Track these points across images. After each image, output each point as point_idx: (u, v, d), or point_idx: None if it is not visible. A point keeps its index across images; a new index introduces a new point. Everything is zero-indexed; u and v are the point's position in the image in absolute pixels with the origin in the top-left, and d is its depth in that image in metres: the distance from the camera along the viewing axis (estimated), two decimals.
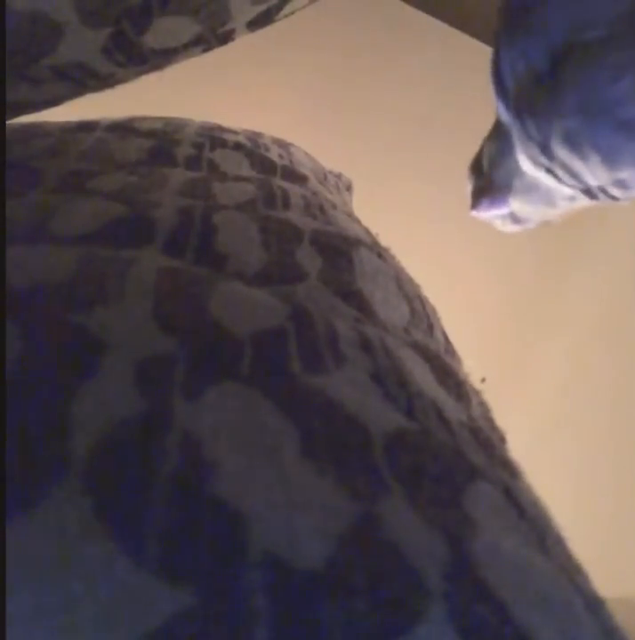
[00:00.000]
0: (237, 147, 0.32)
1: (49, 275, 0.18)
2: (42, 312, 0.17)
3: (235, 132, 0.34)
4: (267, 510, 0.13)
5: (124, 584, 0.11)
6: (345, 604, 0.12)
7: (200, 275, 0.21)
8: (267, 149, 0.33)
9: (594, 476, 0.95)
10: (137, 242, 0.21)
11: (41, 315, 0.17)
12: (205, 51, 0.30)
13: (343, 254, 0.25)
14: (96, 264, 0.19)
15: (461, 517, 0.15)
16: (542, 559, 0.15)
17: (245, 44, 0.35)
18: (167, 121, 0.33)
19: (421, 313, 0.25)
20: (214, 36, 0.29)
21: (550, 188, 0.24)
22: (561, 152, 0.20)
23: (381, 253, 0.27)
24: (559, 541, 0.17)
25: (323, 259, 0.24)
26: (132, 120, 0.31)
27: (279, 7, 0.32)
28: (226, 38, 0.31)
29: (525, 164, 0.23)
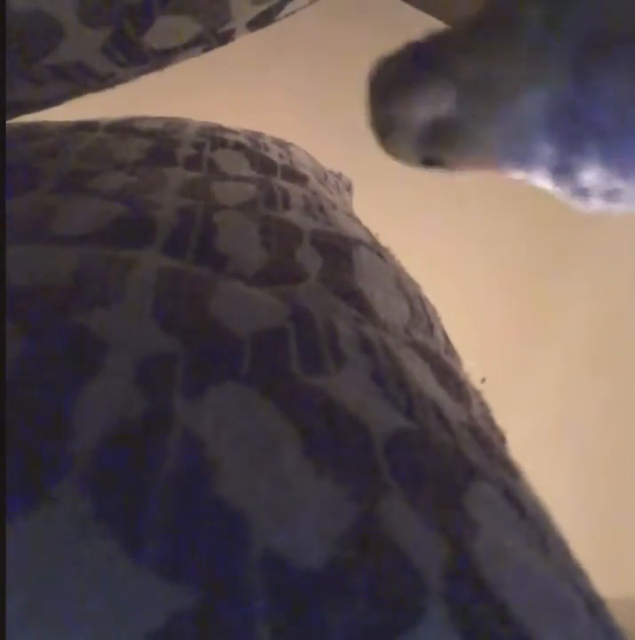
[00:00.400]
0: (238, 147, 0.32)
1: (49, 275, 0.18)
2: (42, 312, 0.17)
3: (235, 132, 0.34)
4: (267, 510, 0.13)
5: (124, 584, 0.11)
6: (345, 604, 0.12)
7: (200, 275, 0.21)
8: (267, 149, 0.33)
9: (594, 477, 0.95)
10: (137, 242, 0.21)
11: (41, 315, 0.17)
12: (206, 51, 0.30)
13: (343, 254, 0.25)
14: (96, 264, 0.19)
15: (461, 517, 0.15)
16: (542, 559, 0.15)
17: (245, 43, 0.35)
18: (167, 121, 0.33)
19: (421, 313, 0.25)
20: (215, 35, 0.29)
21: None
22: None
23: (381, 253, 0.27)
24: (560, 542, 0.17)
25: (323, 259, 0.24)
26: (132, 120, 0.31)
27: (280, 7, 0.32)
28: (226, 38, 0.31)
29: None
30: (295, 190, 0.29)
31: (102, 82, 0.28)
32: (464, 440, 0.18)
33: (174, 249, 0.22)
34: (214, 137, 0.32)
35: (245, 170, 0.30)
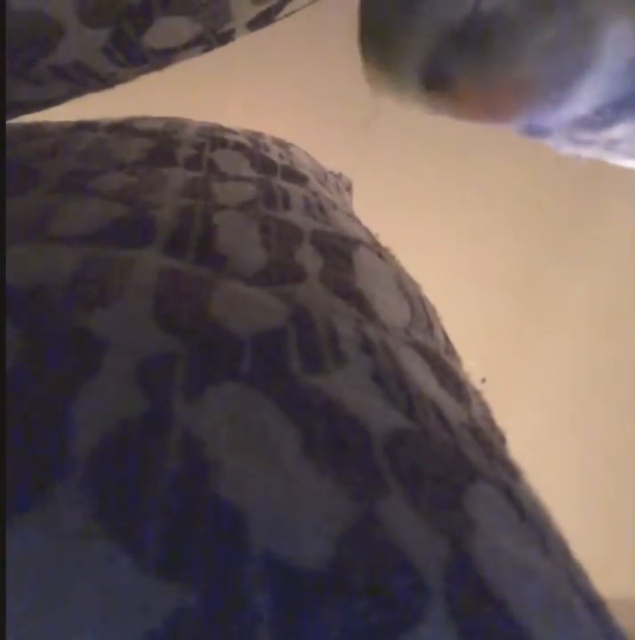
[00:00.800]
0: (238, 147, 0.32)
1: (49, 275, 0.18)
2: (42, 312, 0.17)
3: (235, 132, 0.34)
4: (267, 510, 0.13)
5: (125, 583, 0.11)
6: (346, 604, 0.12)
7: (200, 275, 0.21)
8: (267, 149, 0.33)
9: (594, 477, 0.95)
10: (137, 242, 0.21)
11: (41, 315, 0.17)
12: (206, 51, 0.30)
13: (344, 254, 0.25)
14: (97, 264, 0.19)
15: (461, 517, 0.15)
16: (542, 559, 0.15)
17: (245, 43, 0.35)
18: (167, 121, 0.33)
19: (421, 313, 0.25)
20: (215, 36, 0.29)
21: None
22: None
23: (381, 253, 0.27)
24: (560, 542, 0.17)
25: (323, 259, 0.24)
26: (132, 120, 0.31)
27: (279, 7, 0.32)
28: (226, 38, 0.31)
29: None
30: (295, 190, 0.29)
31: (102, 82, 0.28)
32: (464, 440, 0.18)
33: (174, 249, 0.22)
34: (214, 137, 0.32)
35: (245, 170, 0.30)
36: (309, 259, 0.24)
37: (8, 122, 0.29)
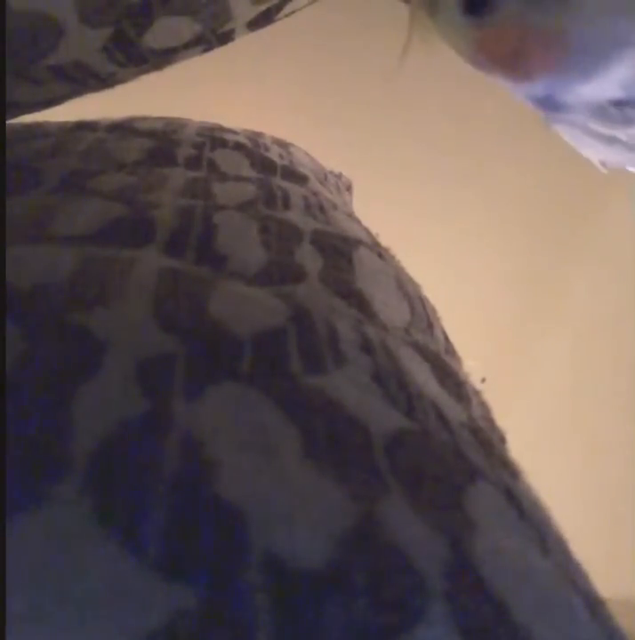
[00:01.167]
0: (238, 147, 0.32)
1: (50, 275, 0.18)
2: (43, 312, 0.17)
3: (235, 132, 0.34)
4: (267, 510, 0.13)
5: (125, 583, 0.11)
6: (346, 604, 0.12)
7: (200, 275, 0.21)
8: (267, 149, 0.33)
9: (594, 476, 0.95)
10: (137, 242, 0.21)
11: (42, 315, 0.17)
12: (206, 51, 0.30)
13: (344, 254, 0.25)
14: (97, 264, 0.19)
15: (461, 517, 0.15)
16: (542, 559, 0.15)
17: (244, 44, 0.35)
18: (167, 121, 0.33)
19: (421, 313, 0.25)
20: (215, 36, 0.29)
21: None
22: None
23: (381, 253, 0.27)
24: (560, 542, 0.17)
25: (323, 259, 0.24)
26: (132, 120, 0.31)
27: (279, 7, 0.32)
28: (226, 38, 0.31)
29: None
30: (295, 190, 0.29)
31: (102, 82, 0.28)
32: (464, 440, 0.18)
33: (174, 249, 0.22)
34: (214, 137, 0.32)
35: (245, 170, 0.30)
36: (309, 259, 0.24)
37: (8, 122, 0.29)
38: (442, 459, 0.17)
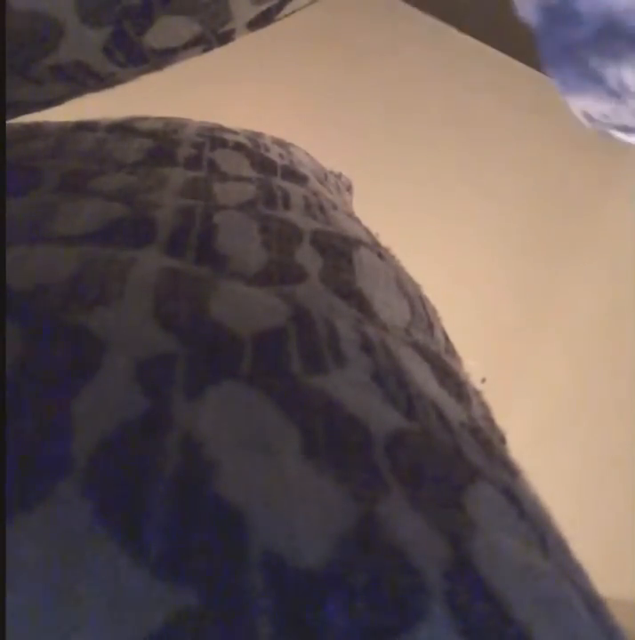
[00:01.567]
0: (238, 147, 0.32)
1: (49, 275, 0.18)
2: (42, 312, 0.17)
3: (235, 132, 0.34)
4: (268, 510, 0.13)
5: (125, 584, 0.11)
6: (346, 604, 0.12)
7: (201, 274, 0.21)
8: (267, 149, 0.33)
9: (594, 477, 0.95)
10: (137, 242, 0.21)
11: (41, 315, 0.17)
12: (205, 51, 0.30)
13: (344, 254, 0.25)
14: (97, 264, 0.19)
15: (461, 517, 0.15)
16: (542, 559, 0.15)
17: (245, 44, 0.35)
18: (167, 121, 0.33)
19: (421, 313, 0.25)
20: (215, 35, 0.29)
21: None
22: None
23: (381, 253, 0.27)
24: (560, 542, 0.17)
25: (323, 259, 0.24)
26: (132, 120, 0.31)
27: (279, 7, 0.32)
28: (226, 38, 0.31)
29: None
30: (295, 190, 0.29)
31: (102, 82, 0.28)
32: (464, 440, 0.18)
33: (174, 249, 0.22)
34: (214, 137, 0.32)
35: (246, 170, 0.30)
36: (309, 259, 0.24)
37: (8, 122, 0.29)
38: (442, 458, 0.17)
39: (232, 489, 0.13)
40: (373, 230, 0.30)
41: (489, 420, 0.21)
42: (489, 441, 0.19)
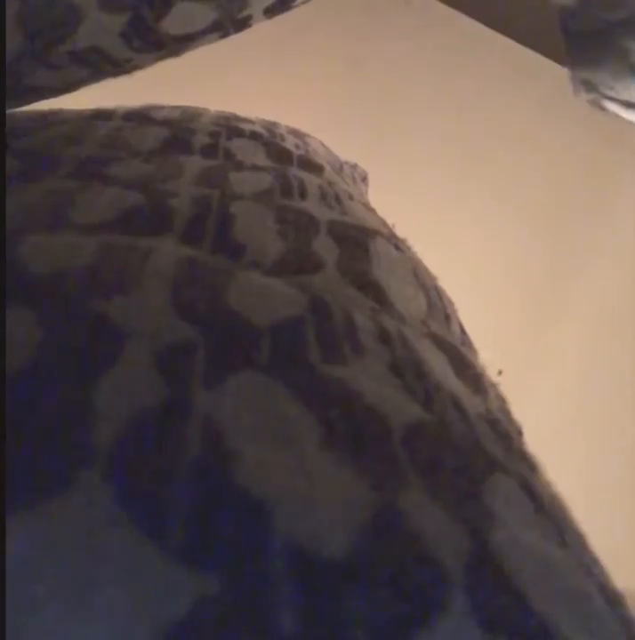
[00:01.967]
0: (254, 136, 0.31)
1: (69, 262, 0.18)
2: (62, 300, 0.17)
3: (251, 122, 0.34)
4: (289, 500, 0.13)
5: (149, 571, 0.11)
6: (368, 594, 0.12)
7: (218, 264, 0.21)
8: (283, 139, 0.33)
9: (611, 470, 0.95)
10: (155, 230, 0.21)
11: (61, 302, 0.17)
12: (222, 37, 0.30)
13: (360, 245, 0.25)
14: (115, 252, 0.19)
15: (480, 509, 0.15)
16: (561, 552, 0.15)
17: (260, 32, 0.35)
18: (183, 110, 0.33)
19: (438, 304, 0.25)
20: (231, 22, 0.29)
21: None
22: None
23: (397, 244, 0.27)
24: (577, 535, 0.17)
25: (340, 249, 0.24)
26: (148, 109, 0.31)
27: None
28: (243, 25, 0.30)
29: None
30: (311, 180, 0.29)
31: (119, 67, 0.28)
32: (482, 432, 0.18)
33: (192, 238, 0.22)
34: (230, 126, 0.32)
35: (262, 159, 0.30)
36: (325, 249, 0.24)
37: (24, 108, 0.29)
38: (460, 450, 0.17)
39: (254, 478, 0.13)
40: (390, 221, 0.30)
41: (506, 412, 0.21)
42: (507, 433, 0.19)
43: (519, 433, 0.21)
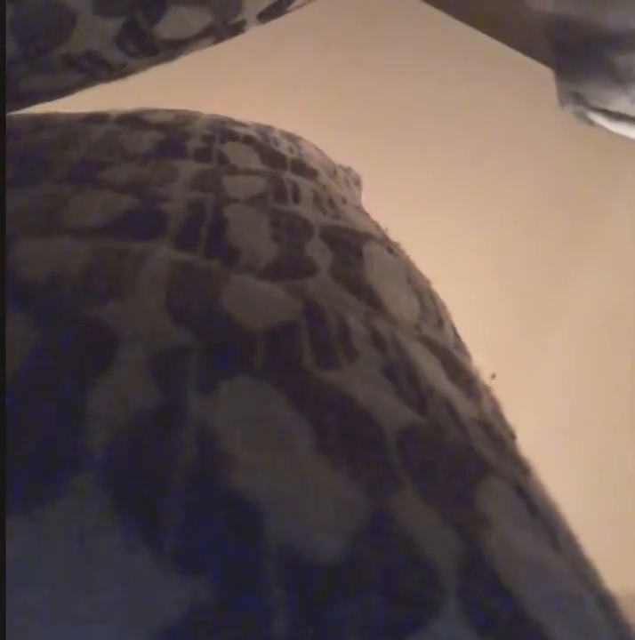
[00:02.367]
0: (248, 140, 0.31)
1: (63, 267, 0.18)
2: (56, 304, 0.17)
3: (245, 126, 0.34)
4: (282, 504, 0.13)
5: (142, 577, 0.11)
6: (361, 598, 0.12)
7: (212, 268, 0.21)
8: (277, 143, 0.33)
9: (604, 473, 0.96)
10: (148, 235, 0.21)
11: (55, 307, 0.17)
12: (216, 42, 0.30)
13: (354, 249, 0.25)
14: (109, 257, 0.19)
15: (473, 513, 0.15)
16: (553, 556, 0.15)
17: (254, 36, 0.35)
18: (177, 113, 0.33)
19: (431, 308, 0.25)
20: (225, 27, 0.29)
21: None
22: None
23: (391, 248, 0.27)
24: (570, 538, 0.17)
25: (333, 253, 0.24)
26: (142, 112, 0.31)
27: None
28: (237, 30, 0.30)
29: None
30: (305, 184, 0.29)
31: (113, 72, 0.28)
32: (475, 436, 0.18)
33: (186, 242, 0.22)
34: (224, 130, 0.32)
35: (255, 163, 0.30)
36: (319, 253, 0.24)
37: (18, 112, 0.29)
38: (454, 454, 0.17)
39: (248, 483, 0.13)
40: (383, 225, 0.30)
41: (499, 416, 0.21)
42: (500, 437, 0.19)
43: (513, 436, 0.21)
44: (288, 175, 0.29)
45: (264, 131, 0.34)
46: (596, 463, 0.96)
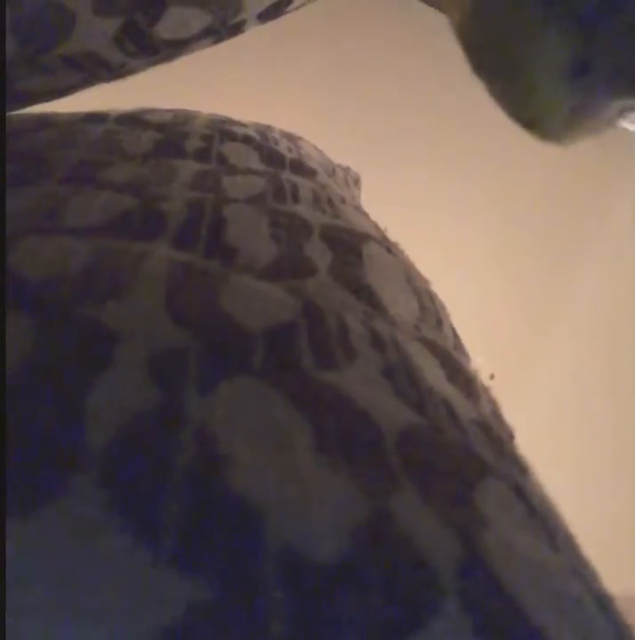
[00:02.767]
0: (247, 140, 0.31)
1: (62, 267, 0.18)
2: (56, 304, 0.17)
3: (244, 125, 0.34)
4: (281, 505, 0.13)
5: (142, 576, 0.11)
6: (360, 599, 0.12)
7: (211, 268, 0.21)
8: (276, 143, 0.33)
9: (602, 472, 0.96)
10: (148, 234, 0.21)
11: (55, 307, 0.17)
12: (216, 42, 0.30)
13: (353, 249, 0.25)
14: (108, 257, 0.19)
15: (472, 513, 0.15)
16: (552, 556, 0.15)
17: (253, 37, 0.35)
18: (177, 113, 0.33)
19: (430, 308, 0.25)
20: (225, 27, 0.29)
21: None
22: None
23: (390, 248, 0.27)
24: (569, 538, 0.17)
25: (333, 253, 0.24)
26: (141, 112, 0.31)
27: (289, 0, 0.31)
28: (236, 30, 0.30)
29: None
30: (304, 184, 0.29)
31: (113, 72, 0.28)
32: (474, 437, 0.18)
33: (185, 242, 0.22)
34: (223, 130, 0.32)
35: (255, 163, 0.30)
36: (318, 253, 0.24)
37: (18, 112, 0.29)
38: (452, 455, 0.17)
39: (247, 483, 0.13)
40: (382, 225, 0.30)
41: (498, 416, 0.21)
42: (499, 437, 0.19)
43: (511, 436, 0.21)
44: (287, 175, 0.29)
45: (263, 130, 0.34)
46: (595, 462, 0.96)
